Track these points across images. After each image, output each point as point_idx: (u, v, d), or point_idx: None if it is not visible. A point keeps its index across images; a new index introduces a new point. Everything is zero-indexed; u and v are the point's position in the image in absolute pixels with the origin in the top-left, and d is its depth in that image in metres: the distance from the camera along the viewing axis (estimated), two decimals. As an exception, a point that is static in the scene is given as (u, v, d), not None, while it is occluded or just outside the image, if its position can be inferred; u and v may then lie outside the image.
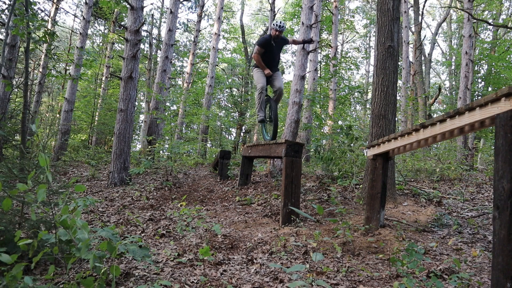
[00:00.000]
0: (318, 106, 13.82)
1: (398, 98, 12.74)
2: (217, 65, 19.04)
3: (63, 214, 2.20)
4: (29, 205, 2.63)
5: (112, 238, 2.48)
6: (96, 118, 16.97)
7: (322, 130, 12.24)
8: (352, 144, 7.30)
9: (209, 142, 19.96)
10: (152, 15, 20.16)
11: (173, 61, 16.23)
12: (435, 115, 20.08)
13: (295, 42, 6.27)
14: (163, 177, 8.15)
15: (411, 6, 18.57)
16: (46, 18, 14.22)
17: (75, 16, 18.03)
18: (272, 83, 5.94)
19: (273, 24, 5.51)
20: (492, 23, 16.55)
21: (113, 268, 2.17)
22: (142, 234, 4.12)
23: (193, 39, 17.96)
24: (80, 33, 12.43)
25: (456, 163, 9.35)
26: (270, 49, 5.72)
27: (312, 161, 11.59)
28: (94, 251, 2.15)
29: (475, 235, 4.12)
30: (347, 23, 22.55)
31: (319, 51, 17.66)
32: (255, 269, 3.01)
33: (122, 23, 17.69)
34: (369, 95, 21.25)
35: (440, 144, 11.95)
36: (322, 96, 13.66)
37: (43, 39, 6.36)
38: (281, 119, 13.77)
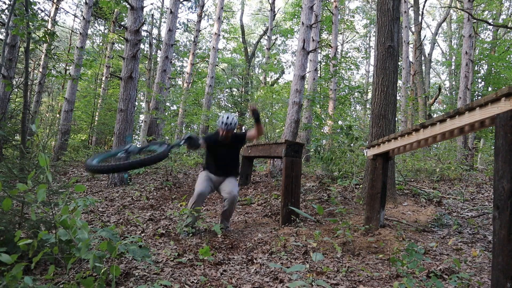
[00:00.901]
0: (318, 106, 13.83)
1: (398, 98, 12.75)
2: (217, 65, 19.05)
3: (63, 214, 2.20)
4: (29, 205, 2.63)
5: (112, 238, 2.48)
6: (96, 118, 16.98)
7: (322, 130, 12.25)
8: (352, 144, 7.30)
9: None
10: (152, 15, 20.15)
11: (173, 61, 16.23)
12: (435, 115, 20.08)
13: (254, 135, 4.35)
14: (163, 177, 8.15)
15: (411, 6, 18.57)
16: (46, 18, 14.22)
17: (75, 16, 18.04)
18: (220, 188, 4.41)
19: (219, 122, 4.26)
20: (492, 23, 16.56)
21: (113, 268, 2.17)
22: (142, 234, 4.12)
23: (193, 39, 17.96)
24: (80, 33, 12.43)
25: (456, 163, 9.35)
26: (216, 151, 4.39)
27: (312, 161, 11.59)
28: (94, 251, 2.16)
29: (475, 235, 4.12)
30: (347, 23, 22.56)
31: (319, 51, 17.66)
32: (255, 269, 3.01)
33: (122, 23, 17.69)
34: (369, 95, 21.25)
35: (440, 144, 11.94)
36: (322, 96, 13.67)
37: (43, 39, 6.36)
38: (281, 119, 13.79)
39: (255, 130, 4.25)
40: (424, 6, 17.20)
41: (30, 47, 6.34)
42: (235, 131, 4.36)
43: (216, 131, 4.42)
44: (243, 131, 4.35)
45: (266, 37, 21.53)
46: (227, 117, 4.21)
